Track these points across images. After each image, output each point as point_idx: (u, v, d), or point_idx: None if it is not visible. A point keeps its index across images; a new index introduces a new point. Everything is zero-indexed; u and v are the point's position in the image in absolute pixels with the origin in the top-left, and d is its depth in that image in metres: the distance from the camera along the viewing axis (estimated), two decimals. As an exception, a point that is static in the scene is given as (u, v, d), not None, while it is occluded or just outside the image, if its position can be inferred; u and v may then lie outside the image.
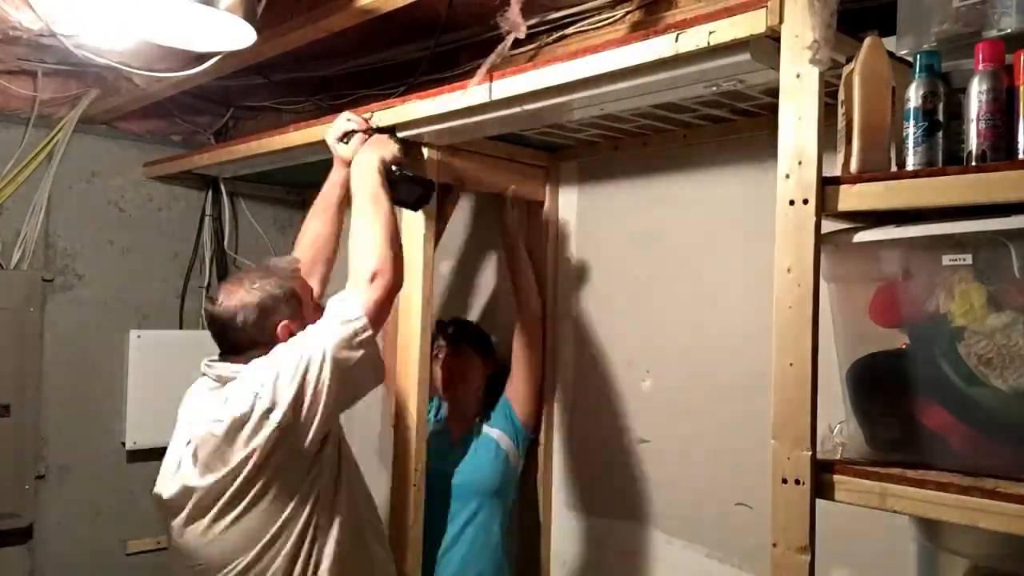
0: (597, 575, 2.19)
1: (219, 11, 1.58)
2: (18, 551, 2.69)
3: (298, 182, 3.17)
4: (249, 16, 1.62)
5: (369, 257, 1.63)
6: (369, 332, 1.59)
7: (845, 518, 1.31)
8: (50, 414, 2.73)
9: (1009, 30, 1.13)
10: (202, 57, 1.95)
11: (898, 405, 1.22)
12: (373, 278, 1.61)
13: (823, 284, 1.21)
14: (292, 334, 1.63)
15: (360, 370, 1.59)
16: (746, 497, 1.85)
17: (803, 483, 1.17)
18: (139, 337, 2.85)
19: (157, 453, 2.89)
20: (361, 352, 1.58)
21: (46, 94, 2.64)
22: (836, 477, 1.18)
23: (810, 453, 1.17)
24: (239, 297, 1.65)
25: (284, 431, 1.53)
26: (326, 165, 2.46)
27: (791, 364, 1.18)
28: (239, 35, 1.69)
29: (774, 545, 1.20)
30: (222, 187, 3.06)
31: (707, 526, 1.94)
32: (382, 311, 1.64)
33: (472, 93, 1.71)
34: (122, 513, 2.89)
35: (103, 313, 2.85)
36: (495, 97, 1.69)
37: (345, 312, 1.59)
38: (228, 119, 3.01)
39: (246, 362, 1.63)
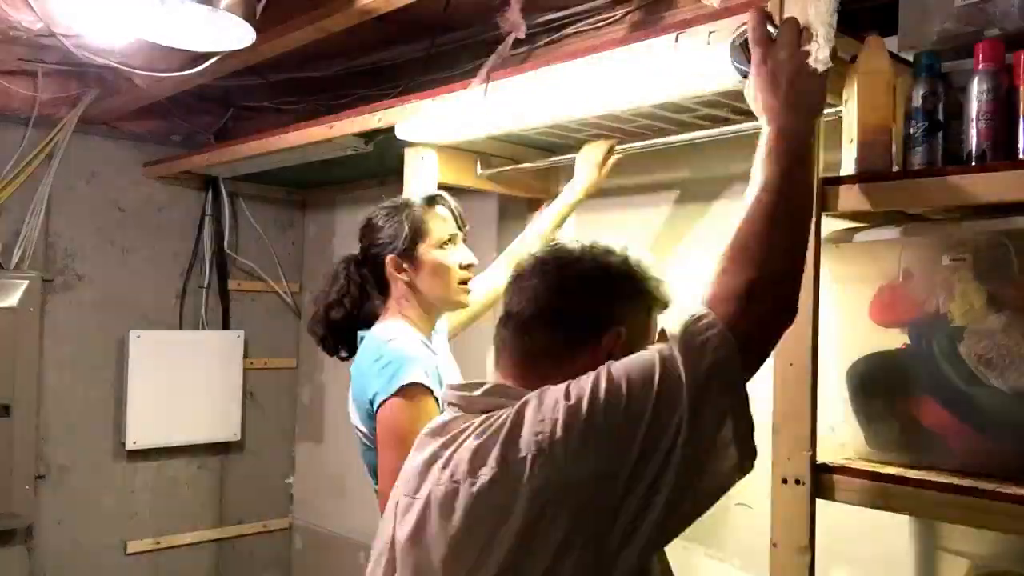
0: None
1: (219, 11, 1.58)
2: (18, 551, 2.69)
3: (298, 182, 3.17)
4: (249, 16, 1.62)
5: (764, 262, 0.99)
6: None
7: (845, 518, 1.31)
8: (50, 414, 2.73)
9: (1010, 29, 1.13)
10: (202, 57, 1.95)
11: (898, 405, 1.22)
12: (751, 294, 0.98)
13: (823, 284, 1.21)
14: None
15: None
16: (746, 497, 1.85)
17: (803, 483, 1.17)
18: (139, 337, 2.85)
19: (157, 453, 2.93)
20: None
21: (46, 94, 2.63)
22: (836, 477, 1.18)
23: (810, 453, 1.17)
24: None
25: None
26: (326, 165, 2.48)
27: (791, 364, 1.18)
28: (239, 35, 1.69)
29: (774, 545, 1.19)
30: (222, 187, 3.06)
31: (707, 526, 1.93)
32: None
33: (472, 93, 1.71)
34: (122, 513, 2.89)
35: (103, 313, 2.84)
36: (495, 97, 1.69)
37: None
38: (228, 119, 3.01)
39: None
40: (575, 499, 0.93)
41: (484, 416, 1.02)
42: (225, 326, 3.11)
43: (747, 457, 0.96)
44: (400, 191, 2.08)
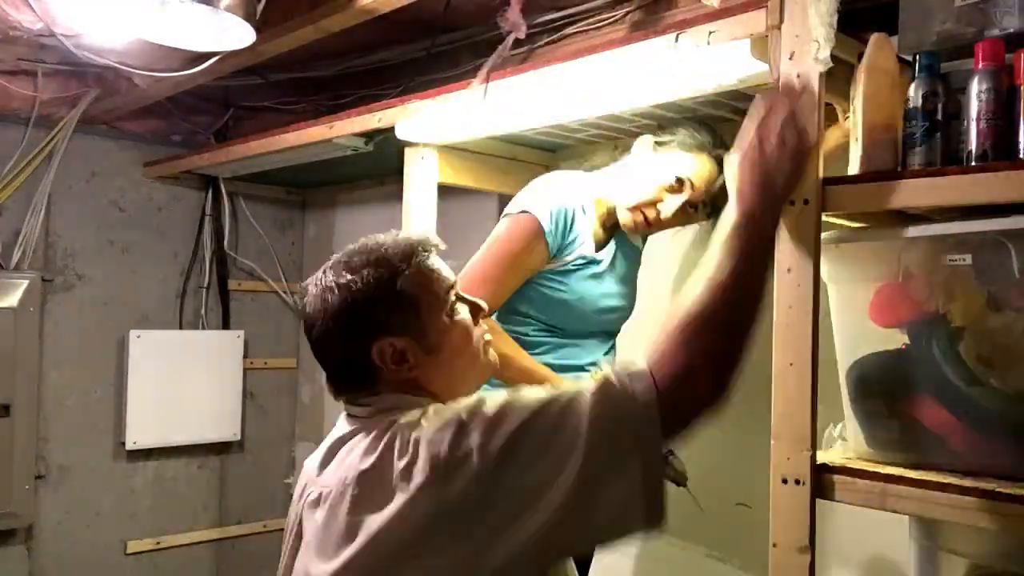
0: (597, 574, 2.19)
1: (219, 11, 1.58)
2: (18, 551, 2.69)
3: (298, 182, 3.17)
4: (249, 16, 1.62)
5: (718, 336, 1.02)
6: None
7: (845, 518, 1.31)
8: (50, 414, 2.73)
9: (1011, 29, 1.13)
10: (202, 57, 1.95)
11: (898, 405, 1.22)
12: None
13: (823, 284, 1.21)
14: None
15: None
16: (746, 497, 1.85)
17: (803, 483, 1.17)
18: (139, 337, 2.85)
19: (157, 453, 2.93)
20: None
21: (46, 94, 2.63)
22: (836, 477, 1.18)
23: (810, 453, 1.17)
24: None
25: None
26: (326, 165, 2.48)
27: (791, 364, 1.18)
28: (239, 35, 1.69)
29: (774, 545, 1.19)
30: (222, 187, 3.06)
31: (707, 526, 1.94)
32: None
33: (472, 93, 1.71)
34: (122, 513, 2.89)
35: (103, 313, 2.85)
36: (495, 97, 1.69)
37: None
38: (228, 119, 3.01)
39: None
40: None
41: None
42: (225, 326, 3.11)
43: (655, 517, 0.97)
44: (400, 191, 2.08)
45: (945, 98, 1.15)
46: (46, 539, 2.74)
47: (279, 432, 3.27)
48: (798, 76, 1.18)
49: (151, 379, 2.86)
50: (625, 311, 1.87)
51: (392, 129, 1.96)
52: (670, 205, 1.68)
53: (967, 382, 1.13)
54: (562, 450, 0.95)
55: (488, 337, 1.21)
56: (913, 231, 1.18)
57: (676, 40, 1.37)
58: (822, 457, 1.21)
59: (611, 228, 1.81)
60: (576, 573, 1.15)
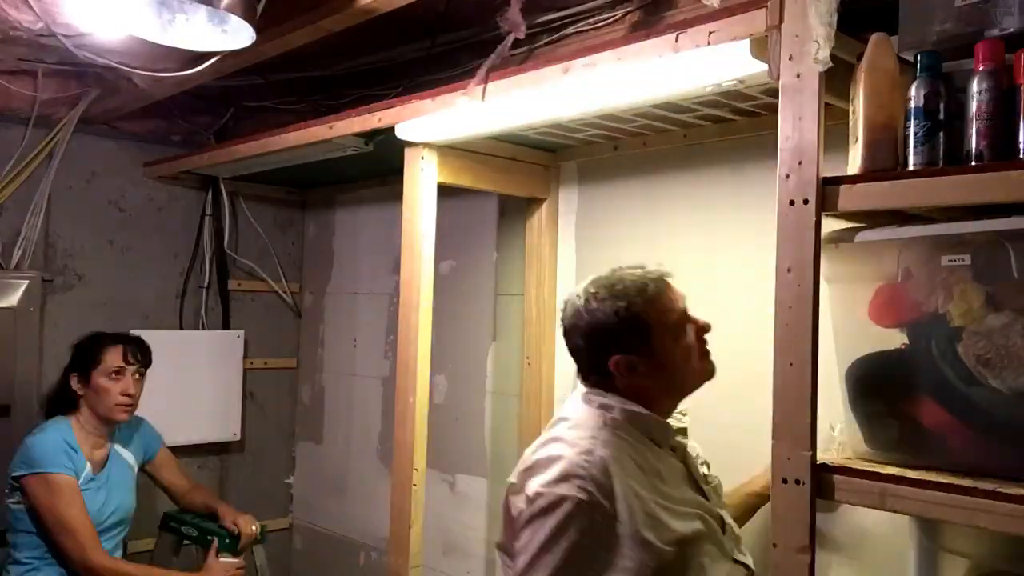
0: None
1: (219, 11, 1.58)
2: (18, 551, 2.68)
3: (298, 182, 3.17)
4: (249, 16, 1.62)
5: None
6: None
7: (845, 518, 1.31)
8: (50, 414, 2.73)
9: (1011, 29, 1.13)
10: (202, 57, 1.95)
11: (898, 405, 1.22)
12: None
13: (823, 284, 1.21)
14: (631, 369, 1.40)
15: None
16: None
17: (803, 483, 1.17)
18: (139, 337, 2.85)
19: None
20: None
21: (46, 94, 2.63)
22: (836, 477, 1.18)
23: (810, 453, 1.17)
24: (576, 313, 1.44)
25: None
26: (326, 165, 2.48)
27: (791, 364, 1.18)
28: (239, 35, 1.68)
29: (774, 545, 1.20)
30: (222, 187, 3.06)
31: (707, 526, 1.93)
32: None
33: (471, 93, 1.71)
34: (122, 513, 2.89)
35: (103, 313, 2.84)
36: (494, 97, 1.69)
37: None
38: (228, 119, 3.01)
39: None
40: None
41: None
42: (225, 326, 3.11)
43: None
44: (400, 191, 2.08)
45: (947, 98, 1.15)
46: (46, 539, 2.73)
47: (279, 432, 3.27)
48: (798, 76, 1.19)
49: (151, 379, 2.84)
50: None
51: (392, 129, 1.96)
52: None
53: (967, 382, 1.13)
54: None
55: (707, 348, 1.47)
56: (913, 231, 1.18)
57: (676, 40, 1.37)
58: (822, 457, 1.21)
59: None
60: None
